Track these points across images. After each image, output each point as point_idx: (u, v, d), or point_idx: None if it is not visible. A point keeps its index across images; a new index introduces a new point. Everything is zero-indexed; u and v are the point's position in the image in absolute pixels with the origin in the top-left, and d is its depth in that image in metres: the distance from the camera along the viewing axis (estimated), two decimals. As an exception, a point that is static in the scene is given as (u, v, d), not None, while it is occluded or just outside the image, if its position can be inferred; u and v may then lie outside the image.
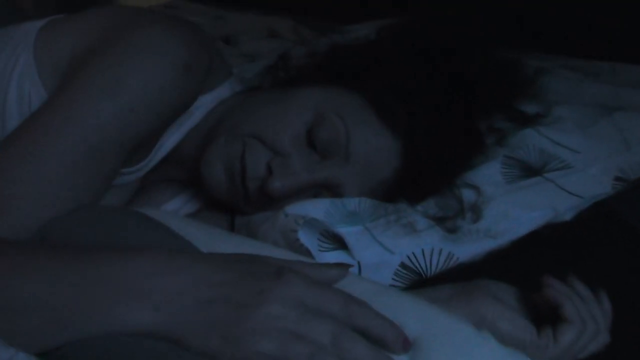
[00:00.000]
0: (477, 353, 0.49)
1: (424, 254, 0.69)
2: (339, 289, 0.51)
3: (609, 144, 0.82)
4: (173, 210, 0.84)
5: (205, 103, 0.82)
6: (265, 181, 0.71)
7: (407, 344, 0.49)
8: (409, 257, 0.68)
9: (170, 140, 0.81)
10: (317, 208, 0.70)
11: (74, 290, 0.51)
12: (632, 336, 0.66)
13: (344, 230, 0.68)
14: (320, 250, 0.68)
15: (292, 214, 0.68)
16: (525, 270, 0.67)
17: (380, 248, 0.68)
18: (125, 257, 0.52)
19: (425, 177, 0.74)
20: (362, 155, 0.73)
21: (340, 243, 0.69)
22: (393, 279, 0.68)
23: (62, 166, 0.65)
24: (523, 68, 0.86)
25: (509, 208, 0.73)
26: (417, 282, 0.68)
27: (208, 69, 0.76)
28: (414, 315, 0.51)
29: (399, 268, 0.68)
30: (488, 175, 0.77)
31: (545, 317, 0.61)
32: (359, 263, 0.67)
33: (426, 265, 0.68)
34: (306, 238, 0.67)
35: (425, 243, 0.69)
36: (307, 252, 0.67)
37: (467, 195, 0.74)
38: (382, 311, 0.49)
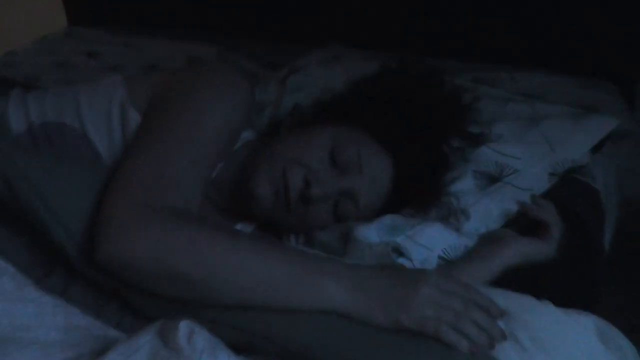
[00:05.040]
0: (543, 311, 0.81)
1: (451, 249, 0.99)
2: (461, 281, 0.80)
3: (540, 149, 1.16)
4: None
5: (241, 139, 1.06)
6: (305, 190, 0.98)
7: (502, 312, 0.79)
8: (442, 251, 0.99)
9: (216, 168, 1.02)
10: (371, 230, 0.98)
11: (290, 268, 0.76)
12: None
13: (399, 241, 0.96)
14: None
15: (377, 243, 0.97)
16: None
17: (423, 249, 0.97)
18: (319, 257, 0.81)
19: (413, 185, 1.05)
20: (370, 169, 1.03)
21: (396, 252, 0.97)
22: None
23: (189, 159, 0.86)
24: (465, 96, 1.17)
25: (490, 207, 1.06)
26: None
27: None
28: (497, 296, 0.81)
29: (438, 260, 0.99)
30: (465, 188, 1.10)
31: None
32: (412, 262, 0.95)
33: (455, 256, 0.99)
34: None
35: (449, 240, 1.00)
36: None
37: (456, 203, 1.07)
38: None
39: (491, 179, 1.12)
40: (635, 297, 1.61)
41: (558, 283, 1.01)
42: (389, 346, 0.74)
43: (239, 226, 1.08)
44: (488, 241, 1.01)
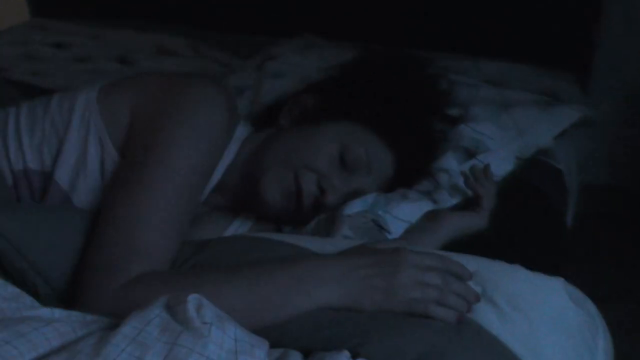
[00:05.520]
0: (515, 274, 0.86)
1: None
2: (433, 252, 0.85)
3: (510, 132, 1.23)
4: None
5: (233, 140, 1.07)
6: (320, 198, 1.02)
7: (471, 275, 0.83)
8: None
9: (217, 173, 1.03)
10: (356, 206, 1.03)
11: (272, 288, 0.77)
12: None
13: (379, 213, 1.02)
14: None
15: (355, 213, 1.01)
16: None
17: (400, 222, 1.04)
18: (296, 262, 0.79)
19: (411, 170, 1.12)
20: (377, 167, 1.08)
21: (377, 226, 1.02)
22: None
23: (172, 203, 0.85)
24: (444, 83, 1.22)
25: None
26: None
27: (235, 114, 1.03)
28: (471, 263, 0.87)
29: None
30: (448, 162, 1.16)
31: None
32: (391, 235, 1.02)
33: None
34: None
35: (422, 209, 1.07)
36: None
37: (447, 179, 1.13)
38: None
39: (468, 154, 1.19)
40: (593, 272, 1.69)
41: (525, 253, 1.07)
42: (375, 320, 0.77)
43: (237, 221, 1.10)
44: (425, 219, 1.07)
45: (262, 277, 0.79)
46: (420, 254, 0.82)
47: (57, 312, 0.71)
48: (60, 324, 0.67)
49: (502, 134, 1.23)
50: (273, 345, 0.72)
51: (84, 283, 0.80)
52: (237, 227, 1.10)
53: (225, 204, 1.10)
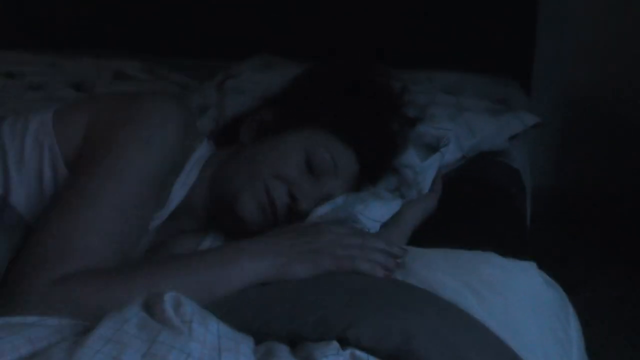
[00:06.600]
0: (492, 261, 0.92)
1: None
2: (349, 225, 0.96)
3: (464, 131, 1.30)
4: None
5: (195, 160, 1.07)
6: (293, 206, 1.03)
7: (392, 244, 0.95)
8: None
9: (178, 195, 1.03)
10: (324, 209, 1.06)
11: (205, 269, 0.84)
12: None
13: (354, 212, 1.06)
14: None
15: (324, 214, 1.05)
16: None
17: (374, 223, 1.07)
18: (225, 246, 0.97)
19: (374, 168, 1.17)
20: (343, 169, 1.11)
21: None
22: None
23: (116, 212, 0.87)
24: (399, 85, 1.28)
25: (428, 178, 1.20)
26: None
27: (191, 129, 1.06)
28: (446, 253, 0.94)
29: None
30: (412, 158, 1.21)
31: None
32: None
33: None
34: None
35: (393, 209, 1.11)
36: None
37: (412, 175, 1.19)
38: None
39: (431, 150, 1.24)
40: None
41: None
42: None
43: (208, 240, 1.08)
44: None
45: (193, 261, 0.87)
46: (340, 225, 0.96)
47: (30, 319, 0.71)
48: (34, 330, 0.66)
49: (457, 130, 1.30)
50: (257, 334, 0.72)
51: (16, 276, 0.81)
52: (209, 246, 1.08)
53: (196, 225, 1.10)
